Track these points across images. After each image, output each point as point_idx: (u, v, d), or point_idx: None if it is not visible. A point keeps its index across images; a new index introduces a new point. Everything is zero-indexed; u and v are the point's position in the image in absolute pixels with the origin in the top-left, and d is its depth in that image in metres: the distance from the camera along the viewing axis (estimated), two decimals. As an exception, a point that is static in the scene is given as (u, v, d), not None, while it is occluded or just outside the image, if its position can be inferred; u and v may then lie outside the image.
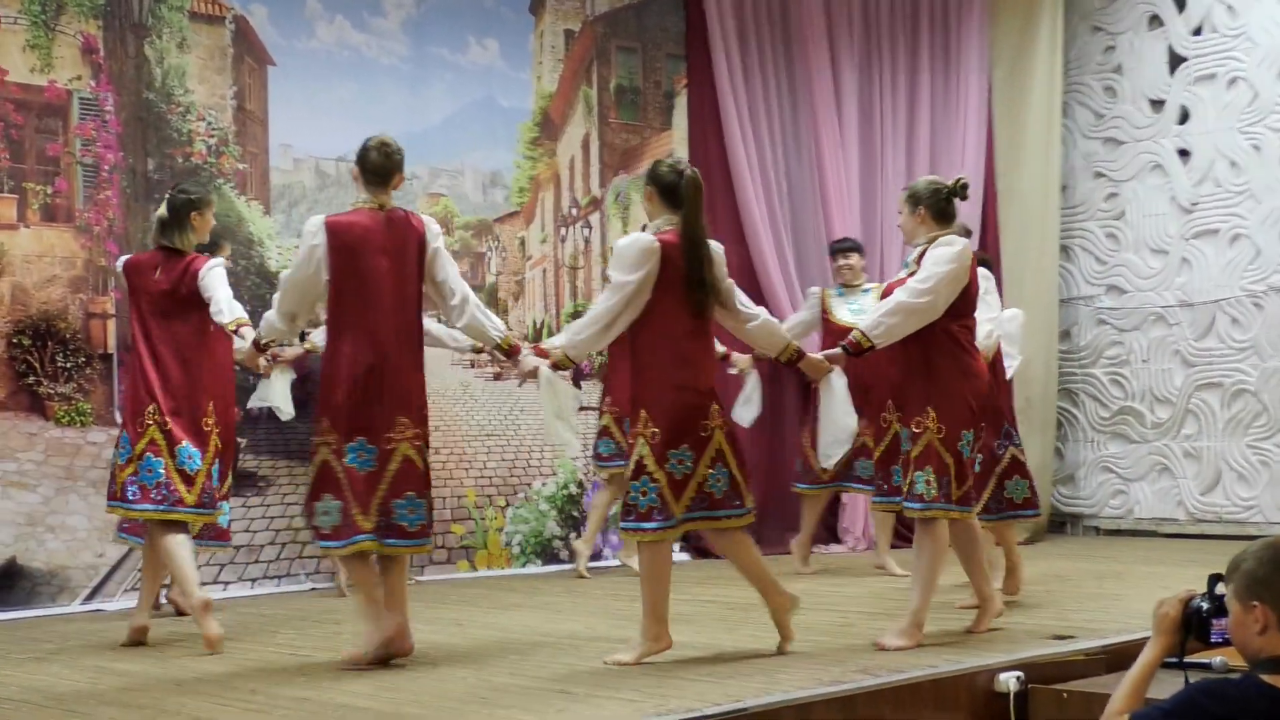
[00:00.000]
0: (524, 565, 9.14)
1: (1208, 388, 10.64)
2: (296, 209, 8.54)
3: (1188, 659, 5.46)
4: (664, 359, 5.35)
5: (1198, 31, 10.76)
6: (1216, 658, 5.10)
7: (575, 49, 9.78)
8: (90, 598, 7.52)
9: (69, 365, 7.55)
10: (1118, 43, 11.21)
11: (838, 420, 5.70)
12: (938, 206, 5.78)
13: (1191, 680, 3.54)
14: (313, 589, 8.11)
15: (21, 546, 7.34)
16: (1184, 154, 10.81)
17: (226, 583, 7.92)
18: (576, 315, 9.52)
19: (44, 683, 5.28)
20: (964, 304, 5.70)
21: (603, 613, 6.94)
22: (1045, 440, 10.98)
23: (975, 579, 6.03)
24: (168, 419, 6.13)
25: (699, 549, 9.59)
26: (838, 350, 5.69)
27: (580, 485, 9.45)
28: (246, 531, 8.07)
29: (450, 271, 5.62)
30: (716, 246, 5.55)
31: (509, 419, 9.08)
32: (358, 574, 5.59)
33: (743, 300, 5.58)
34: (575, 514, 9.41)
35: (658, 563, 5.39)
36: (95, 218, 7.70)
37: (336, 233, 5.51)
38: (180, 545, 6.08)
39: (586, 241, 9.76)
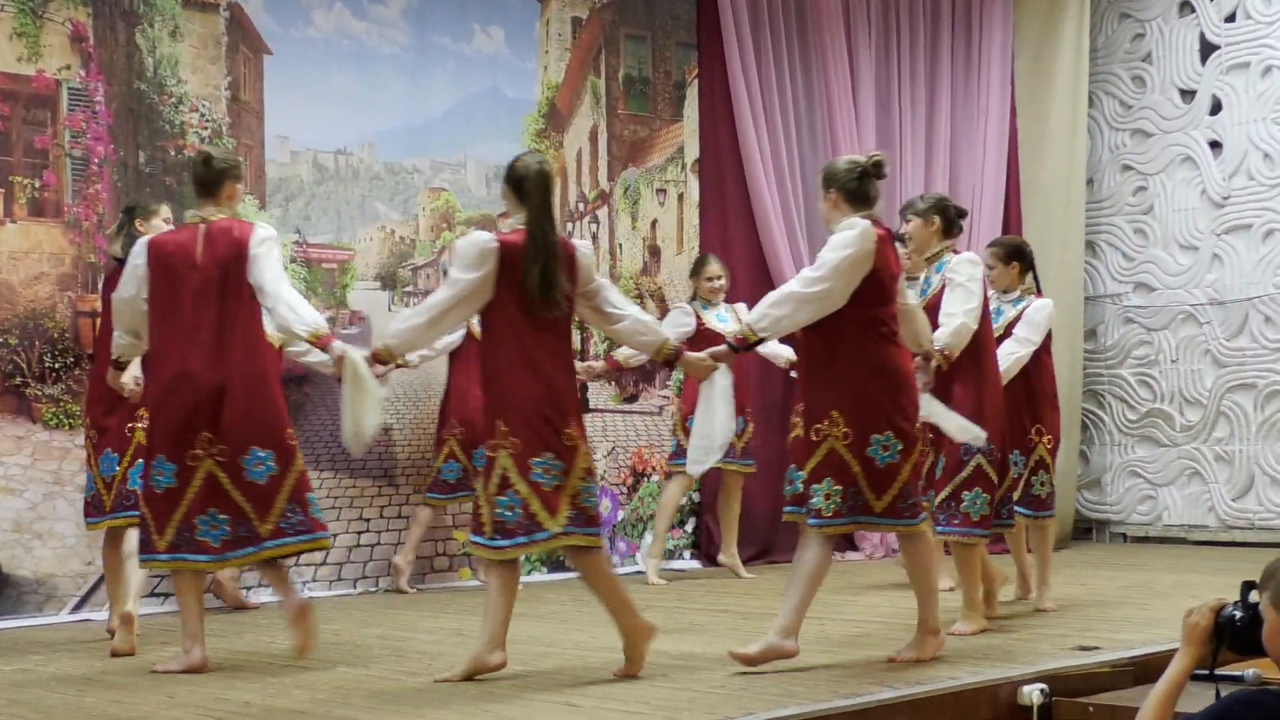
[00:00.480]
0: (529, 573, 9.14)
1: (1240, 389, 10.62)
2: (293, 203, 8.55)
3: (1219, 671, 5.45)
4: (514, 365, 5.24)
5: (1231, 18, 10.75)
6: (1249, 670, 5.11)
7: (583, 37, 9.78)
8: (79, 607, 7.52)
9: (57, 366, 7.56)
10: (1147, 30, 11.20)
11: (714, 424, 5.49)
12: (849, 187, 5.48)
13: (1224, 693, 3.53)
14: (309, 597, 8.11)
15: (8, 554, 7.35)
16: (1215, 146, 10.80)
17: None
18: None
19: (31, 695, 5.28)
20: (875, 291, 5.39)
21: (609, 622, 6.93)
22: (1070, 444, 10.95)
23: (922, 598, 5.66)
24: (93, 431, 6.59)
25: (710, 557, 9.60)
26: (723, 348, 5.54)
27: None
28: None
29: (266, 276, 5.62)
30: (582, 245, 5.47)
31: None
32: (177, 588, 5.77)
33: (613, 301, 5.46)
34: (582, 520, 9.40)
35: (510, 580, 5.29)
36: (85, 212, 7.71)
37: (155, 252, 5.75)
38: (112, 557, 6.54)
39: (594, 237, 9.76)
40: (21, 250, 7.53)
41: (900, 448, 5.39)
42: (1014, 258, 7.19)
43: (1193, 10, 10.94)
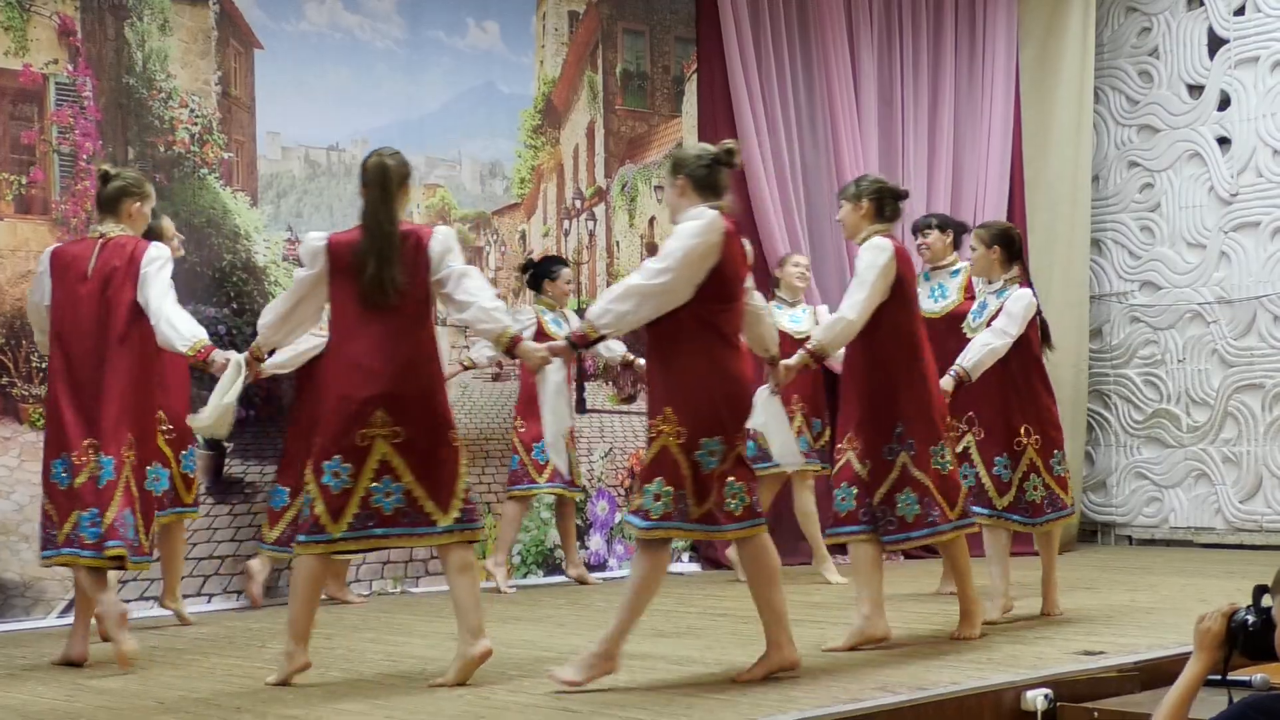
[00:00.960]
0: (524, 576, 9.14)
1: (1248, 389, 10.62)
2: (285, 200, 8.55)
3: (1226, 675, 5.45)
4: (333, 362, 5.43)
5: (1240, 11, 10.76)
6: (1257, 675, 5.11)
7: (579, 32, 9.78)
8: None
9: (44, 366, 7.54)
10: (1154, 24, 11.21)
11: (551, 419, 5.41)
12: (697, 174, 5.34)
13: (1236, 698, 3.55)
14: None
15: (-5, 556, 7.35)
16: (1224, 142, 10.81)
17: (210, 595, 7.93)
18: (579, 312, 9.54)
19: (18, 700, 5.28)
20: (719, 286, 5.22)
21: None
22: (1075, 445, 10.96)
23: (766, 614, 5.41)
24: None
25: (710, 559, 9.60)
26: (561, 343, 5.42)
27: (585, 492, 9.45)
28: (232, 541, 8.08)
29: (151, 294, 5.93)
30: (438, 232, 5.50)
31: (510, 423, 9.07)
32: (76, 584, 6.13)
33: (466, 288, 5.39)
34: (579, 522, 9.41)
35: (306, 578, 5.38)
36: (73, 209, 7.70)
37: (55, 261, 6.13)
38: None
39: (591, 235, 9.77)
40: (8, 248, 7.53)
41: (724, 452, 5.21)
42: (997, 242, 6.90)
43: (1201, 4, 10.94)
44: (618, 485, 9.66)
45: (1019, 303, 6.75)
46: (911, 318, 6.10)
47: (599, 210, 9.81)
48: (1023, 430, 6.82)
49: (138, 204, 6.16)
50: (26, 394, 7.51)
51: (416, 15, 9.08)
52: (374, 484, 5.27)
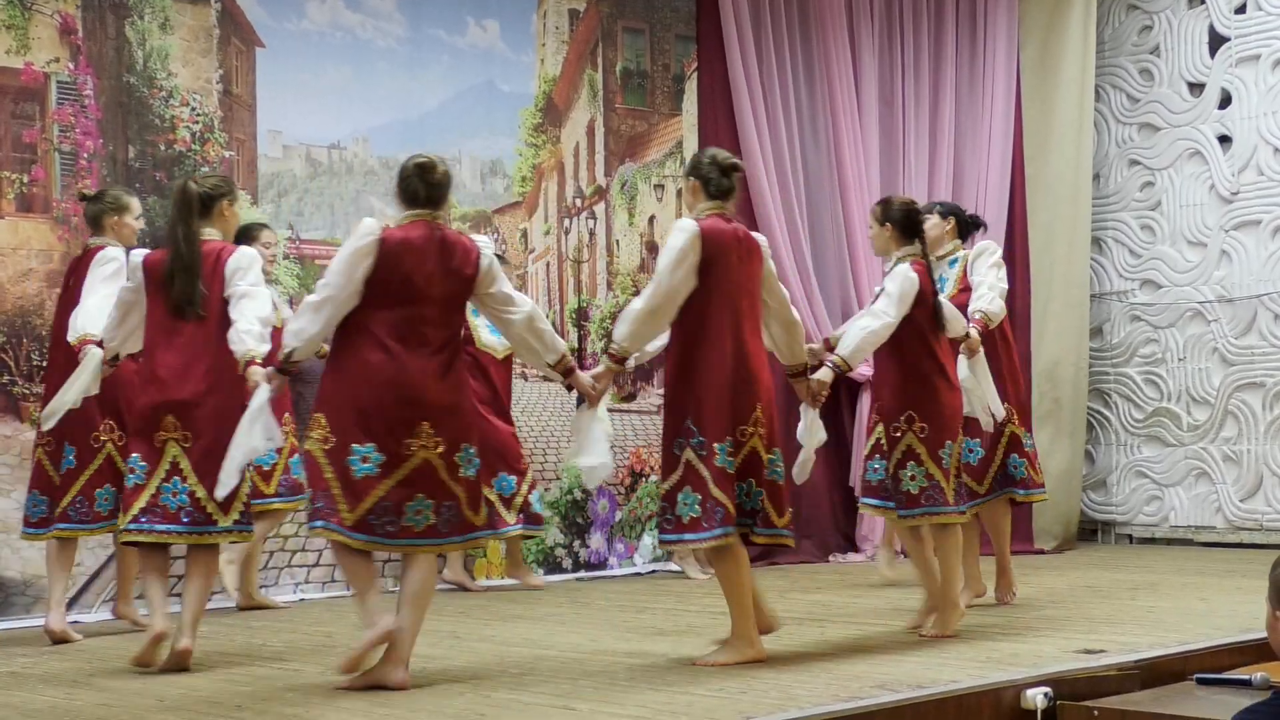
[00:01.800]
0: (525, 575, 9.14)
1: (1248, 388, 10.63)
2: (286, 199, 8.55)
3: (1226, 675, 5.48)
4: (142, 367, 5.85)
5: (1241, 9, 10.76)
6: (1256, 674, 5.14)
7: (580, 30, 9.79)
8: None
9: (45, 364, 7.56)
10: (1155, 22, 11.21)
11: (243, 438, 5.36)
12: (400, 186, 5.42)
13: (1233, 694, 3.57)
14: (302, 599, 8.13)
15: (-5, 554, 7.36)
16: (1225, 140, 10.81)
17: (212, 593, 7.91)
18: (580, 311, 9.55)
19: (19, 699, 5.29)
20: (381, 291, 5.22)
21: (607, 624, 6.95)
22: (1075, 443, 10.98)
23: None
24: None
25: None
26: (271, 369, 5.40)
27: (585, 491, 9.46)
28: (233, 539, 8.08)
29: (83, 289, 6.47)
30: (239, 252, 5.78)
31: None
32: None
33: (240, 308, 5.61)
34: (580, 520, 9.42)
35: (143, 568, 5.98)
36: (73, 208, 7.70)
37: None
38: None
39: (591, 233, 9.77)
40: (9, 246, 7.54)
41: (382, 460, 5.18)
42: (888, 219, 6.44)
43: (1202, 2, 10.94)
44: (618, 484, 9.67)
45: (894, 280, 6.27)
46: (717, 304, 5.68)
47: (599, 209, 9.82)
48: (903, 417, 6.32)
49: (116, 218, 6.71)
50: (27, 392, 7.51)
51: (417, 14, 9.08)
52: (164, 484, 5.65)
